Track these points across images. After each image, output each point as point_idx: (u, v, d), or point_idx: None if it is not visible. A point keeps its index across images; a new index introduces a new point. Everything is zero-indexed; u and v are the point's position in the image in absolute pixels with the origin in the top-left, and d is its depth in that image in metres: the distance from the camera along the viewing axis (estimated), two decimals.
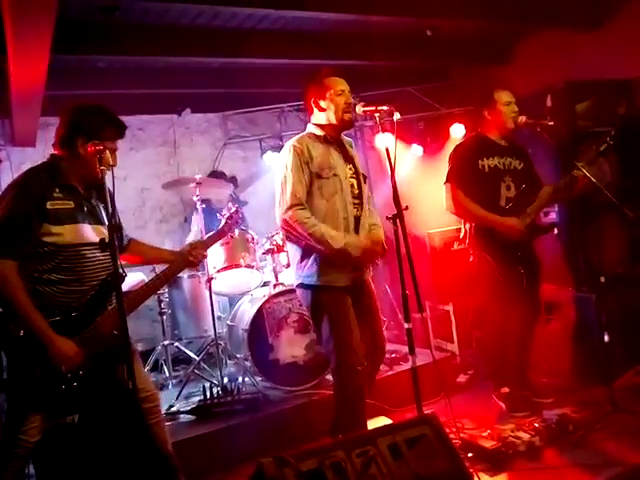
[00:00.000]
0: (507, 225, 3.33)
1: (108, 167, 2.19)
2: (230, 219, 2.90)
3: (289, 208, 2.70)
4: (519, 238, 3.34)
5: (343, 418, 2.80)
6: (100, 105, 2.42)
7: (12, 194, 2.25)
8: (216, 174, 5.42)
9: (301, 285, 2.83)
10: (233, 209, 2.97)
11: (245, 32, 4.38)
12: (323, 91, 2.86)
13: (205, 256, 2.69)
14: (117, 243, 2.28)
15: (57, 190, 2.30)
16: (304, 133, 2.92)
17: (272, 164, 5.08)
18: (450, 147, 3.74)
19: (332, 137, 2.89)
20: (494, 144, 3.52)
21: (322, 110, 2.87)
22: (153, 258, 2.83)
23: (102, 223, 2.41)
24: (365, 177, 3.03)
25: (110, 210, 2.17)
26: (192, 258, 2.61)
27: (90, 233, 2.36)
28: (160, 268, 2.76)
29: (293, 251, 2.88)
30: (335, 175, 2.82)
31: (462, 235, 3.59)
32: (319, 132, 2.88)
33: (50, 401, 2.24)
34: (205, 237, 2.97)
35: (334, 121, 2.86)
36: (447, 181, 3.50)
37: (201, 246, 2.68)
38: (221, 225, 2.88)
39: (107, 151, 2.22)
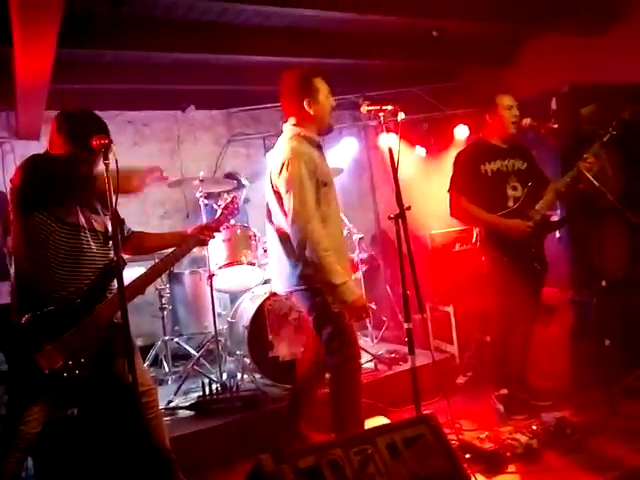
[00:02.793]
0: (510, 226, 3.36)
1: (114, 161, 2.20)
2: (226, 209, 2.93)
3: (308, 222, 2.64)
4: (525, 237, 3.36)
5: (347, 415, 2.79)
6: (87, 110, 2.45)
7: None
8: (231, 175, 5.36)
9: (301, 288, 2.80)
10: (229, 199, 2.98)
11: (251, 29, 4.38)
12: (314, 93, 2.82)
13: (214, 236, 2.77)
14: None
15: None
16: (294, 135, 2.82)
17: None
18: (454, 149, 3.76)
19: (316, 141, 2.89)
20: (495, 148, 3.55)
21: (310, 113, 2.83)
22: (158, 244, 2.82)
23: (98, 213, 2.46)
24: None
25: (112, 200, 2.17)
26: (203, 236, 2.67)
27: (88, 219, 2.41)
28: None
29: (285, 254, 2.81)
30: (332, 182, 2.86)
31: (474, 239, 3.61)
32: (311, 136, 2.85)
33: (51, 390, 2.25)
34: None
35: (322, 125, 2.88)
36: (450, 189, 3.53)
37: (211, 227, 2.77)
38: (218, 215, 2.92)
39: (113, 145, 2.23)
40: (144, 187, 2.77)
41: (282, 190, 2.72)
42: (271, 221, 2.90)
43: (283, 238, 2.82)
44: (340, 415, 2.81)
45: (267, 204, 2.92)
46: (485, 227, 3.48)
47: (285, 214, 2.73)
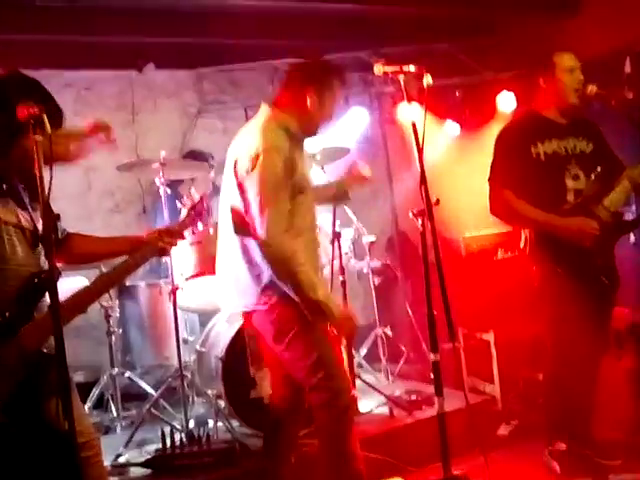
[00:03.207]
0: (570, 228, 3.35)
1: (46, 136, 2.19)
2: (193, 209, 2.93)
3: (281, 233, 2.75)
4: (590, 242, 3.35)
5: (343, 470, 2.84)
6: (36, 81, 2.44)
7: None
8: (195, 154, 5.38)
9: (265, 306, 2.85)
10: (196, 197, 2.99)
11: None
12: (325, 90, 2.97)
13: (176, 243, 2.77)
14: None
15: None
16: (272, 121, 2.90)
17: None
18: (496, 124, 3.77)
19: (299, 138, 2.99)
20: (551, 123, 3.54)
21: (306, 106, 2.94)
22: (103, 251, 2.79)
23: (24, 207, 2.44)
24: None
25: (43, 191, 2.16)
26: (163, 244, 2.66)
27: (9, 214, 2.38)
28: None
29: (245, 263, 2.88)
30: (309, 186, 2.99)
31: (523, 244, 3.60)
32: (293, 129, 2.93)
33: None
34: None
35: (309, 128, 3.00)
36: (491, 178, 3.52)
37: (174, 232, 2.76)
38: (182, 217, 2.92)
39: (44, 115, 2.22)
40: (85, 153, 2.77)
41: (251, 190, 2.78)
42: (227, 220, 2.96)
43: (244, 242, 2.89)
44: (334, 470, 2.85)
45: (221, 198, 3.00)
46: (536, 229, 3.48)
47: (249, 217, 2.80)
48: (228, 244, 2.98)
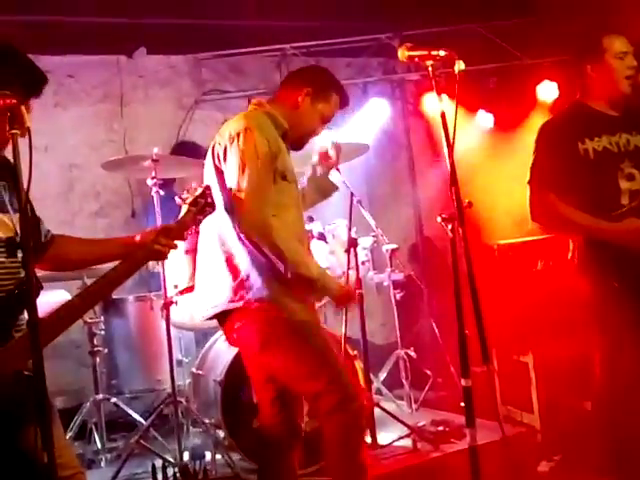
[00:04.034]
0: (628, 233, 3.33)
1: (24, 131, 2.20)
2: (194, 204, 2.90)
3: (262, 208, 2.84)
4: None
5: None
6: (9, 46, 2.44)
7: None
8: (186, 147, 5.42)
9: (243, 304, 2.88)
10: (199, 189, 2.97)
11: None
12: (322, 97, 3.15)
13: (176, 245, 2.74)
14: (32, 241, 2.29)
15: None
16: (258, 109, 3.08)
17: None
18: (536, 117, 3.76)
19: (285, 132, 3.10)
20: (601, 116, 3.54)
21: (297, 104, 3.12)
22: (92, 255, 2.79)
23: (5, 211, 2.44)
24: None
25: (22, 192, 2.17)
26: (159, 247, 2.65)
27: None
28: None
29: (223, 257, 2.95)
30: (294, 181, 3.08)
31: (570, 253, 3.59)
32: (281, 120, 3.06)
33: None
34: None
35: (296, 133, 3.13)
36: (531, 180, 3.52)
37: (173, 231, 2.73)
38: (182, 213, 2.89)
39: (23, 107, 2.24)
40: None
41: (231, 166, 2.88)
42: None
43: (222, 235, 2.95)
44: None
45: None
46: (586, 237, 3.47)
47: (227, 198, 2.89)
48: (207, 246, 3.05)
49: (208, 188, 2.91)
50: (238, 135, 2.88)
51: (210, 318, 3.04)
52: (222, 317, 2.98)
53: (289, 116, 3.09)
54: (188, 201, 2.87)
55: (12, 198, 2.44)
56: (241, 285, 2.88)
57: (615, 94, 3.52)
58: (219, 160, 2.95)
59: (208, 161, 3.03)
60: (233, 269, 2.91)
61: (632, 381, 3.39)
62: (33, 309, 2.15)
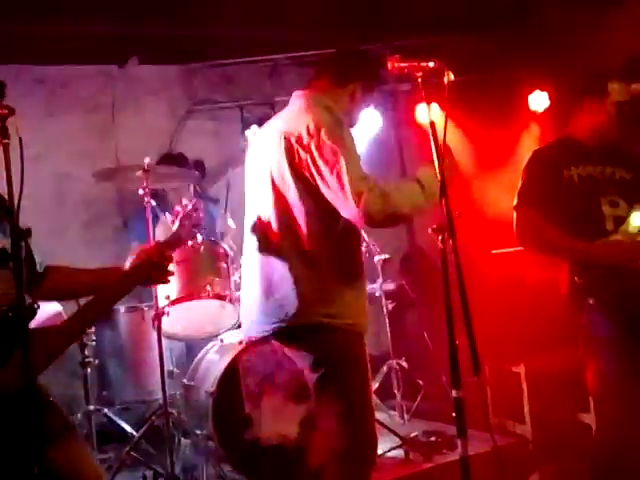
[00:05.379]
0: (606, 249, 3.35)
1: (4, 147, 2.19)
2: (187, 218, 2.91)
3: (372, 189, 2.72)
4: (631, 264, 3.34)
5: None
6: None
7: None
8: (172, 158, 5.43)
9: (311, 328, 2.82)
10: (190, 205, 2.98)
11: None
12: (368, 84, 3.08)
13: (172, 260, 2.79)
14: (25, 273, 2.27)
15: None
16: (324, 105, 2.95)
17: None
18: (526, 128, 3.78)
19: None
20: (588, 149, 3.62)
21: (343, 93, 3.03)
22: (87, 288, 2.74)
23: None
24: None
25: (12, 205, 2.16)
26: (158, 259, 2.66)
27: None
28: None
29: (294, 269, 2.84)
30: None
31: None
32: (335, 110, 2.97)
33: None
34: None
35: (352, 116, 3.08)
36: (518, 204, 3.55)
37: (169, 246, 2.79)
38: (175, 228, 2.90)
39: (13, 115, 2.23)
40: None
41: (320, 165, 2.74)
42: (260, 229, 2.94)
43: (268, 261, 2.87)
44: None
45: (256, 201, 3.00)
46: (567, 259, 3.49)
47: (332, 197, 2.75)
48: (251, 261, 2.99)
49: (198, 204, 2.94)
50: (320, 131, 2.77)
51: None
52: None
53: (344, 107, 3.03)
54: (180, 216, 2.90)
55: (3, 224, 2.44)
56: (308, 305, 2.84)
57: (605, 133, 3.61)
58: (299, 163, 2.80)
59: (263, 173, 2.93)
60: (280, 306, 2.86)
61: (628, 400, 3.36)
62: (25, 333, 2.15)
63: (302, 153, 2.78)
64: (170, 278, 3.89)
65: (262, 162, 2.96)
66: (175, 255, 3.94)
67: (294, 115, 2.95)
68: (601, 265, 3.36)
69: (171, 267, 3.97)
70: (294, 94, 3.07)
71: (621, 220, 3.43)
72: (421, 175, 2.83)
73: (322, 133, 2.75)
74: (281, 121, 2.99)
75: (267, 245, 2.91)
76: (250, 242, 3.00)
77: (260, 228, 2.94)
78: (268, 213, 2.89)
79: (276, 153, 2.86)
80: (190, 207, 2.91)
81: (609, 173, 3.56)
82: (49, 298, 2.75)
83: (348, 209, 2.72)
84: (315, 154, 2.76)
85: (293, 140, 2.81)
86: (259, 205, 2.96)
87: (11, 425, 2.30)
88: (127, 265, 2.72)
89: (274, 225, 2.88)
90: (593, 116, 3.60)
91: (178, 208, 2.93)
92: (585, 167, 3.53)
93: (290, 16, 5.13)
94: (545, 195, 3.49)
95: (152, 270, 2.69)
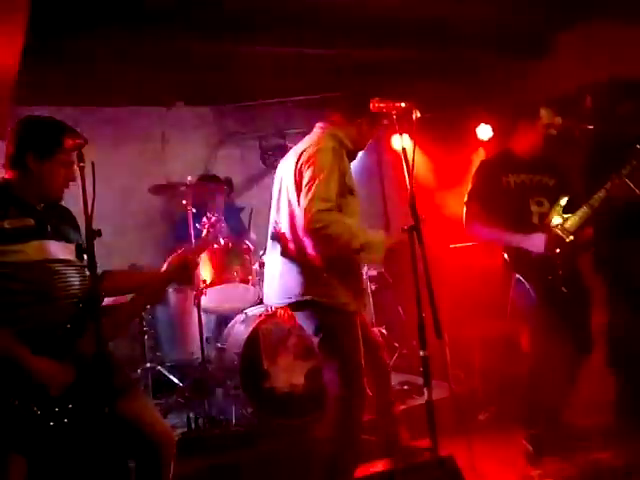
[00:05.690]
0: (530, 241, 3.37)
1: (81, 169, 2.19)
2: (212, 227, 2.93)
3: (329, 208, 2.72)
4: (549, 252, 3.36)
5: (342, 455, 2.84)
6: (51, 117, 2.45)
7: None
8: (208, 177, 5.42)
9: (310, 303, 2.86)
10: (213, 218, 3.00)
11: (247, 17, 4.39)
12: (370, 122, 3.01)
13: (198, 263, 2.78)
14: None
15: (13, 208, 2.32)
16: (333, 135, 2.96)
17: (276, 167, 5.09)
18: (475, 151, 3.80)
19: (350, 151, 3.03)
20: (522, 161, 3.64)
21: (354, 133, 3.01)
22: (134, 287, 2.71)
23: (71, 241, 2.44)
24: None
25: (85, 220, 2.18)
26: (187, 264, 2.64)
27: (58, 250, 2.38)
28: None
29: (299, 265, 2.89)
30: (357, 195, 3.00)
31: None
32: (349, 145, 3.00)
33: (35, 441, 2.18)
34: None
35: (360, 145, 3.08)
36: (467, 202, 3.58)
37: (197, 251, 2.79)
38: (204, 234, 2.92)
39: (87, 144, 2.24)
40: None
41: (306, 178, 2.77)
42: (277, 235, 2.99)
43: (294, 245, 2.89)
44: (333, 457, 2.84)
45: (276, 210, 3.04)
46: (501, 245, 3.53)
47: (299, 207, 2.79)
48: (272, 258, 3.04)
49: (219, 218, 2.97)
50: (317, 152, 2.81)
51: None
52: None
53: (353, 137, 3.02)
54: (207, 225, 2.93)
55: (75, 235, 2.47)
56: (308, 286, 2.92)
57: (535, 147, 3.62)
58: (299, 174, 2.83)
59: (287, 179, 2.93)
60: (299, 271, 2.93)
61: (549, 356, 3.38)
62: (97, 306, 2.17)
63: (303, 168, 2.82)
64: (206, 267, 3.91)
65: (282, 179, 2.99)
66: (209, 252, 3.98)
67: (308, 140, 2.99)
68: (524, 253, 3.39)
69: (206, 258, 4.02)
70: (316, 124, 3.08)
71: (544, 216, 3.47)
72: (373, 238, 2.85)
73: (318, 155, 2.79)
74: (300, 144, 3.02)
75: (281, 247, 2.96)
76: (271, 244, 3.05)
77: (276, 234, 2.99)
78: (284, 222, 2.93)
79: (290, 169, 2.90)
80: (213, 219, 2.93)
81: (537, 180, 3.60)
82: (106, 296, 2.73)
83: (301, 216, 2.75)
84: (304, 167, 2.80)
85: (300, 157, 2.86)
86: (278, 214, 2.99)
87: (89, 381, 2.31)
88: (164, 267, 2.68)
89: (287, 233, 2.91)
90: (527, 135, 3.61)
91: (204, 220, 2.95)
92: (519, 175, 3.57)
93: (297, 70, 5.13)
94: (488, 195, 3.53)
95: (181, 272, 2.66)
